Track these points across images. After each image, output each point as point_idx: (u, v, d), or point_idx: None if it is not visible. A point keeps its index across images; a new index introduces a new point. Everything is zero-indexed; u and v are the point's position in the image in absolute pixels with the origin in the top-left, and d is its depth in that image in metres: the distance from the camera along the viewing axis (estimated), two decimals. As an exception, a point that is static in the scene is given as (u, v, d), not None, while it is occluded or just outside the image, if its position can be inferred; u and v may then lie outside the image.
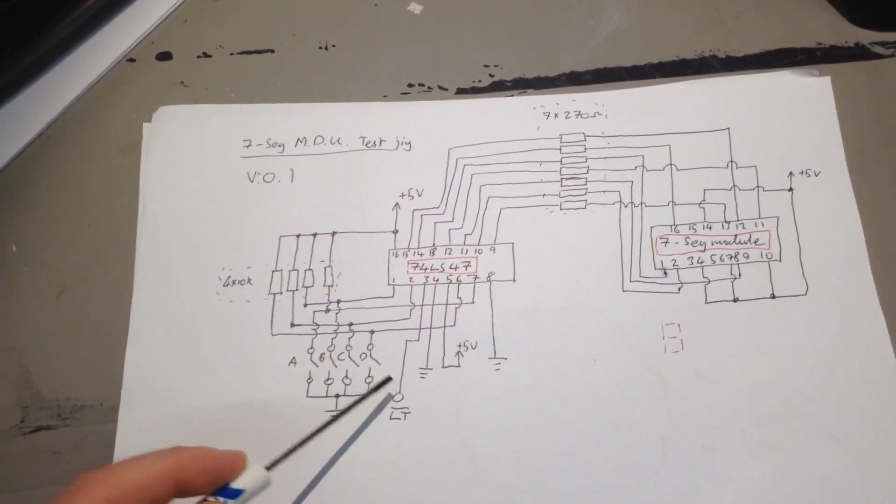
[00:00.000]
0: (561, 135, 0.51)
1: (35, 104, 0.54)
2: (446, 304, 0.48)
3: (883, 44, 0.53)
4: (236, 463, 0.37)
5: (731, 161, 0.50)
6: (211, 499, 0.36)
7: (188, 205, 0.51)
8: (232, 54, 0.56)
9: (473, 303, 0.48)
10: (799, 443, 0.44)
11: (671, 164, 0.50)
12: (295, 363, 0.47)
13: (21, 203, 0.52)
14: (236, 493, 0.37)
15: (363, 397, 0.44)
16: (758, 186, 0.49)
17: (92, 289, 0.49)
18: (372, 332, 0.47)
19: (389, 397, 0.45)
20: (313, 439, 0.41)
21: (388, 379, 0.45)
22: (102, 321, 0.48)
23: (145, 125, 0.53)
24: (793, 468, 0.43)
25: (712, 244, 0.48)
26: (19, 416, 0.46)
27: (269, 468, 0.38)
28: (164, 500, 0.35)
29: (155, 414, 0.46)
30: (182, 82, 0.55)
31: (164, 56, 0.56)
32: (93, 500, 0.33)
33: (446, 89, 0.54)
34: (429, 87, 0.54)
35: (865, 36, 0.53)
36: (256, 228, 0.50)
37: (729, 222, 0.49)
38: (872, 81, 0.52)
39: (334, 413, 0.43)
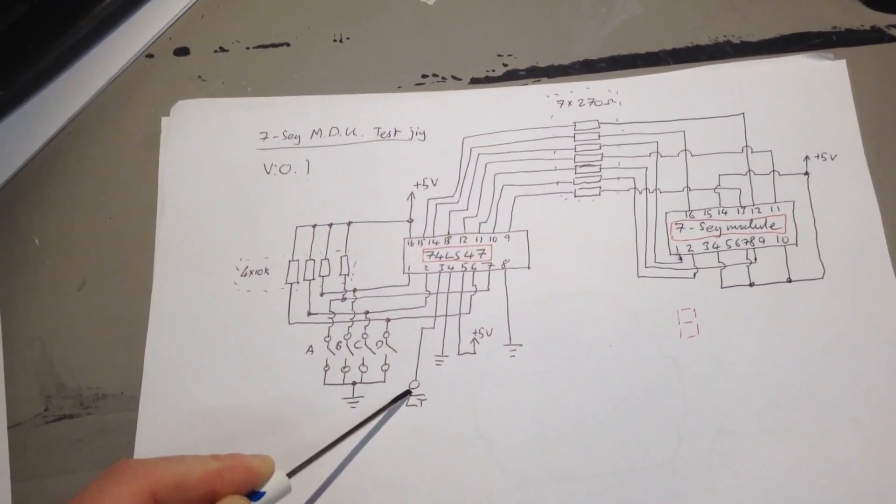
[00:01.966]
0: (575, 122, 0.52)
1: (56, 100, 0.55)
2: (461, 292, 0.48)
3: (899, 26, 0.53)
4: (265, 471, 0.39)
5: (747, 146, 0.50)
6: None
7: (206, 197, 0.51)
8: (248, 48, 0.57)
9: (488, 290, 0.48)
10: (815, 426, 0.43)
11: (686, 150, 0.50)
12: (312, 351, 0.47)
13: (43, 197, 0.53)
14: (259, 496, 0.38)
15: (382, 409, 0.45)
16: (773, 171, 0.49)
17: (113, 280, 0.50)
18: (388, 320, 0.48)
19: (408, 393, 0.46)
20: (335, 445, 0.42)
21: (408, 392, 0.46)
22: (123, 312, 0.49)
23: (164, 119, 0.54)
24: (809, 452, 0.43)
25: (728, 229, 0.48)
26: (43, 405, 0.47)
27: (290, 475, 0.40)
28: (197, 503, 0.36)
29: (175, 402, 0.46)
30: (199, 77, 0.56)
31: (182, 51, 0.57)
32: (137, 488, 0.34)
33: (460, 79, 0.54)
34: (443, 78, 0.54)
35: (881, 19, 0.53)
36: (273, 219, 0.51)
37: (744, 207, 0.48)
38: (889, 65, 0.52)
39: (355, 424, 0.44)
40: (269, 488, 0.38)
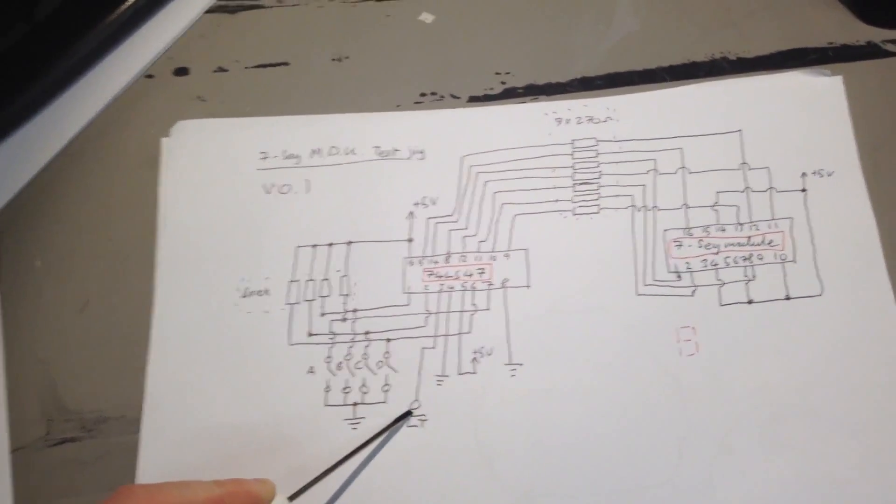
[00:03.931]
0: (573, 140, 0.52)
1: (56, 121, 0.55)
2: (461, 312, 0.48)
3: (895, 41, 0.53)
4: (267, 496, 0.39)
5: (744, 163, 0.50)
6: None
7: (207, 217, 0.52)
8: (247, 68, 0.57)
9: (488, 309, 0.48)
10: (815, 442, 0.44)
11: (683, 167, 0.50)
12: (313, 372, 0.47)
13: (45, 219, 0.53)
14: None
15: (384, 430, 0.45)
16: (771, 188, 0.49)
17: (114, 301, 0.50)
18: (388, 340, 0.48)
19: (409, 414, 0.46)
20: (336, 467, 0.43)
21: (409, 413, 0.46)
22: (125, 333, 0.49)
23: (164, 140, 0.54)
24: (809, 467, 0.43)
25: (726, 246, 0.48)
26: (45, 428, 0.47)
27: (291, 498, 0.40)
28: None
29: (177, 424, 0.46)
30: (199, 97, 0.56)
31: (182, 71, 0.57)
32: None
33: (458, 97, 0.54)
34: (441, 96, 0.55)
35: (877, 34, 0.53)
36: (273, 239, 0.51)
37: (742, 224, 0.49)
38: (885, 79, 0.52)
39: (356, 446, 0.44)
40: None
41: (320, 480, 0.41)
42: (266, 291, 0.49)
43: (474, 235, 0.50)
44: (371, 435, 0.44)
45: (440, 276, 0.49)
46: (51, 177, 0.54)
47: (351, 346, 0.48)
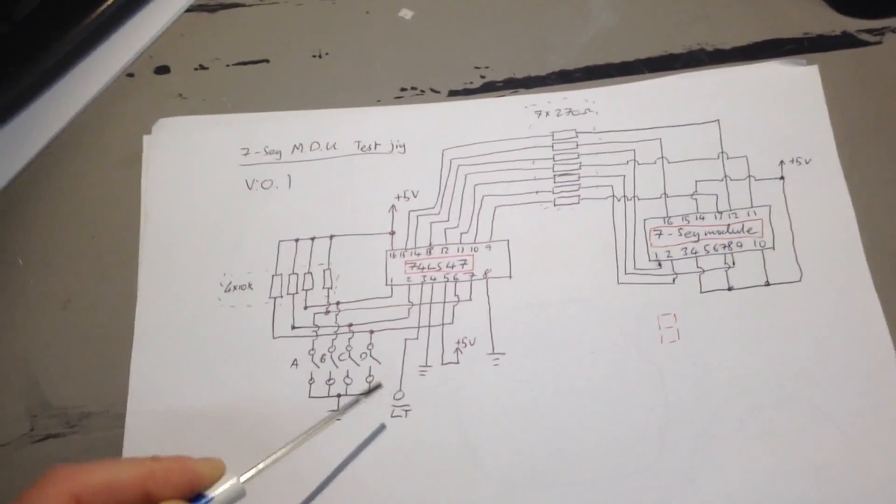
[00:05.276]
0: (553, 132, 0.52)
1: (37, 120, 0.55)
2: (444, 303, 0.48)
3: (870, 31, 0.54)
4: (211, 473, 0.37)
5: (722, 152, 0.50)
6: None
7: (189, 214, 0.52)
8: (228, 65, 0.57)
9: (471, 300, 0.48)
10: (796, 429, 0.44)
11: (662, 158, 0.51)
12: (297, 365, 0.47)
13: (26, 217, 0.53)
14: (205, 500, 0.37)
15: (351, 405, 0.44)
16: (749, 176, 0.50)
17: (97, 298, 0.50)
18: (371, 331, 0.48)
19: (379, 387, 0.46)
20: (293, 448, 0.41)
21: (379, 385, 0.46)
22: (107, 329, 0.49)
23: (145, 137, 0.54)
24: (790, 454, 0.43)
25: (705, 234, 0.49)
26: (28, 425, 0.47)
27: (245, 481, 0.38)
28: None
29: (161, 419, 0.46)
30: (180, 94, 0.56)
31: (162, 70, 0.57)
32: (60, 494, 0.34)
33: (438, 92, 0.55)
34: (421, 91, 0.55)
35: (852, 24, 0.54)
36: (256, 234, 0.51)
37: (721, 212, 0.49)
38: (860, 69, 0.52)
39: (312, 426, 0.42)
40: (218, 493, 0.37)
41: (278, 461, 0.40)
42: (249, 286, 0.50)
43: (456, 227, 0.50)
44: (336, 410, 0.44)
45: (422, 268, 0.49)
46: (33, 175, 0.54)
47: (334, 339, 0.48)
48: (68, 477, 0.34)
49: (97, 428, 0.47)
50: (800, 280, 0.47)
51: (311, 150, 0.53)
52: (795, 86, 0.52)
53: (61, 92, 0.56)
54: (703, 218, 0.49)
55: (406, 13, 0.58)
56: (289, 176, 0.52)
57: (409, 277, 0.49)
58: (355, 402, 0.44)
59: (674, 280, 0.48)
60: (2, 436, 0.47)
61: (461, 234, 0.50)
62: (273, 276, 0.50)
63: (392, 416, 0.46)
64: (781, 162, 0.50)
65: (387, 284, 0.49)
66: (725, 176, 0.50)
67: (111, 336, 0.49)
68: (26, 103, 0.56)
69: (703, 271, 0.48)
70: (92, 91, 0.56)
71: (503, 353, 0.47)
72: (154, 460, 0.36)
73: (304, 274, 0.50)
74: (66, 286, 0.51)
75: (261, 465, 0.39)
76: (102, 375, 0.48)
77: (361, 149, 0.53)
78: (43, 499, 0.34)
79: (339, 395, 0.46)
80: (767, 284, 0.47)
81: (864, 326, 0.46)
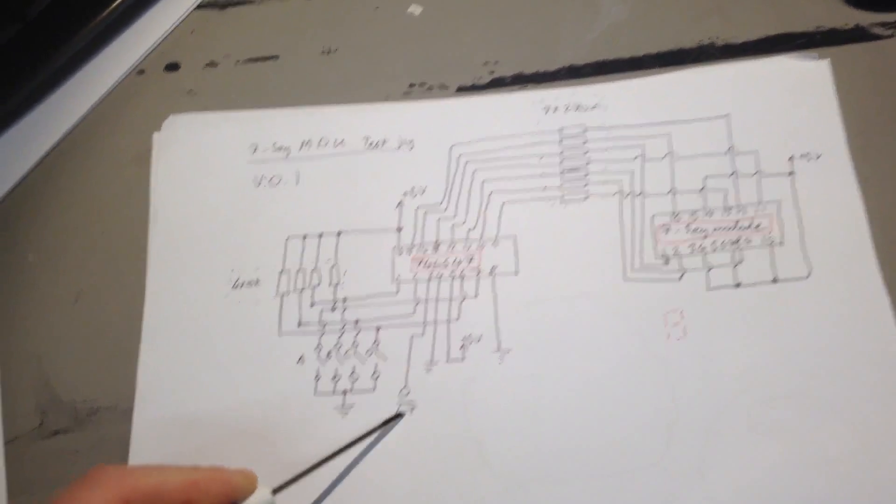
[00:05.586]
0: (561, 128, 0.52)
1: (49, 118, 0.56)
2: (450, 299, 0.48)
3: (883, 24, 0.53)
4: (246, 486, 0.39)
5: (732, 147, 0.50)
6: None
7: (198, 210, 0.52)
8: (237, 62, 0.57)
9: (477, 297, 0.48)
10: (804, 424, 0.43)
11: (671, 153, 0.50)
12: (303, 361, 0.48)
13: (37, 214, 0.53)
14: None
15: (372, 431, 0.45)
16: (758, 171, 0.49)
17: (106, 294, 0.51)
18: (378, 328, 0.48)
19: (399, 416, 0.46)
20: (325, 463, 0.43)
21: (399, 416, 0.46)
22: (117, 325, 0.49)
23: (155, 134, 0.55)
24: (799, 450, 0.43)
25: (713, 230, 0.48)
26: (38, 419, 0.48)
27: (275, 492, 0.40)
28: None
29: (168, 414, 0.47)
30: (190, 91, 0.56)
31: (173, 67, 0.58)
32: (110, 494, 0.34)
33: (447, 88, 0.55)
34: (430, 87, 0.55)
35: (864, 18, 0.53)
36: (264, 231, 0.51)
37: (730, 208, 0.49)
38: (873, 63, 0.52)
39: (344, 444, 0.44)
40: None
41: (306, 475, 0.41)
42: (256, 282, 0.50)
43: (463, 224, 0.50)
44: (360, 434, 0.44)
45: (429, 265, 0.49)
46: (44, 172, 0.54)
47: (340, 335, 0.48)
48: (118, 478, 0.35)
49: (105, 423, 0.47)
50: (808, 276, 0.47)
51: (319, 146, 0.53)
52: (806, 80, 0.51)
53: (72, 89, 0.57)
54: (711, 214, 0.49)
55: (415, 9, 0.58)
56: (297, 172, 0.53)
57: (415, 274, 0.49)
58: (382, 426, 0.45)
59: (681, 277, 0.47)
60: (13, 430, 0.47)
61: (468, 230, 0.50)
62: (280, 272, 0.50)
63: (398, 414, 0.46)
64: (791, 157, 0.49)
65: (393, 281, 0.49)
66: (734, 171, 0.49)
67: (121, 332, 0.49)
68: (38, 101, 0.57)
69: (711, 268, 0.47)
70: (103, 88, 0.57)
71: (509, 350, 0.47)
72: (196, 470, 0.37)
73: (311, 270, 0.50)
74: (76, 282, 0.51)
75: (291, 479, 0.41)
76: (112, 371, 0.48)
77: (370, 145, 0.53)
78: (94, 498, 0.34)
79: (344, 392, 0.46)
80: (775, 281, 0.47)
81: (873, 322, 0.45)
